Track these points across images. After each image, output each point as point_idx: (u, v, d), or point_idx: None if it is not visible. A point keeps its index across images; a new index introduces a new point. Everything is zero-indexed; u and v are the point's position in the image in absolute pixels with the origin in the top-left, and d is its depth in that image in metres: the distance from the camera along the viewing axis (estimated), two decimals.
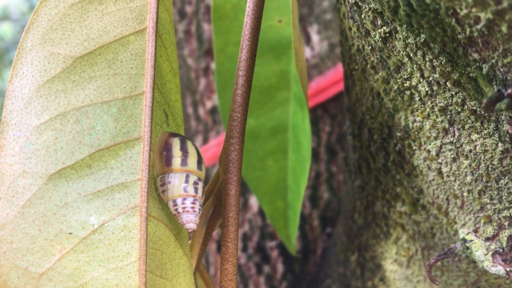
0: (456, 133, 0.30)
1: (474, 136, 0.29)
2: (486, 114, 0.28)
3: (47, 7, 0.28)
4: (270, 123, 0.47)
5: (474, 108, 0.28)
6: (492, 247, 0.32)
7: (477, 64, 0.25)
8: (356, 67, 0.35)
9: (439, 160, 0.32)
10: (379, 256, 0.44)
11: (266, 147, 0.48)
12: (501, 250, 0.32)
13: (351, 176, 0.44)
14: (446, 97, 0.29)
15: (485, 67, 0.24)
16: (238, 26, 0.44)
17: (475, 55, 0.24)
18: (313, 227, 0.64)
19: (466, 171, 0.31)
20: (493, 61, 0.24)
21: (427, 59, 0.28)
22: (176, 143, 0.29)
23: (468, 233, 0.34)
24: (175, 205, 0.28)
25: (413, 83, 0.30)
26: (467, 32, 0.23)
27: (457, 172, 0.32)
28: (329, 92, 0.63)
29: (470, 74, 0.26)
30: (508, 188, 0.30)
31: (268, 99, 0.47)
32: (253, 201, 0.65)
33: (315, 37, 0.64)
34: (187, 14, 0.68)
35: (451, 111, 0.29)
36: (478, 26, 0.22)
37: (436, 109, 0.30)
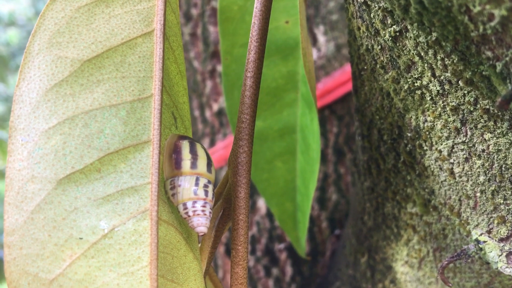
0: (469, 133, 0.30)
1: (487, 136, 0.29)
2: (499, 113, 0.27)
3: (53, 11, 0.28)
4: (278, 124, 0.47)
5: (487, 107, 0.28)
6: (506, 248, 0.32)
7: (490, 62, 0.24)
8: (365, 67, 0.35)
9: (451, 160, 0.32)
10: (389, 258, 0.44)
11: (274, 149, 0.48)
12: None
13: (360, 177, 0.43)
14: (458, 96, 0.29)
15: (499, 65, 0.24)
16: (244, 28, 0.44)
17: (488, 53, 0.24)
18: (321, 229, 0.64)
19: (479, 171, 0.31)
20: (507, 58, 0.23)
21: (438, 57, 0.27)
22: (185, 146, 0.29)
23: (481, 234, 0.33)
24: (186, 208, 0.28)
25: (424, 83, 0.30)
26: (480, 30, 0.23)
27: (469, 172, 0.32)
28: (336, 93, 0.63)
29: (483, 73, 0.26)
30: None
31: (276, 101, 0.46)
32: (261, 203, 0.64)
33: (321, 38, 0.64)
34: (193, 16, 0.68)
35: (463, 110, 0.29)
36: (492, 24, 0.22)
37: (447, 108, 0.30)
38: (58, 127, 0.26)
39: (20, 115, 0.26)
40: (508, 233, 0.32)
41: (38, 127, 0.26)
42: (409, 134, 0.34)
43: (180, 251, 0.28)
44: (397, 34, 0.28)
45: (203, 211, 0.28)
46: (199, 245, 0.33)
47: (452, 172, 0.33)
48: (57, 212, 0.25)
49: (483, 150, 0.30)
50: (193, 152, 0.29)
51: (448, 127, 0.31)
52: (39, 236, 0.25)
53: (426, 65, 0.29)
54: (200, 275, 0.30)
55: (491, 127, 0.28)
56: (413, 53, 0.29)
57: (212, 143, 0.67)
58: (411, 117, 0.33)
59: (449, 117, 0.30)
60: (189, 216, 0.28)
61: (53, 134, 0.26)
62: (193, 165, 0.28)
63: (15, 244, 0.25)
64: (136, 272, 0.25)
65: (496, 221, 0.32)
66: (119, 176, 0.26)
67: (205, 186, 0.28)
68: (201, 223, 0.28)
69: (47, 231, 0.25)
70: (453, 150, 0.32)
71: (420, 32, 0.26)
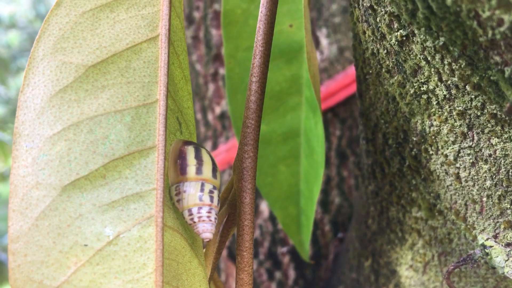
0: (475, 137, 0.30)
1: (494, 140, 0.29)
2: (507, 118, 0.27)
3: (58, 16, 0.27)
4: (282, 128, 0.47)
5: (495, 112, 0.27)
6: None
7: (499, 67, 0.24)
8: (370, 71, 0.34)
9: (457, 165, 0.32)
10: (394, 262, 0.43)
11: (278, 153, 0.48)
12: None
13: (365, 181, 0.43)
14: (465, 101, 0.28)
15: (507, 70, 0.24)
16: (248, 31, 0.44)
17: (497, 58, 0.24)
18: (324, 232, 0.64)
19: (485, 176, 0.31)
20: None
21: (445, 62, 0.27)
22: (190, 151, 0.28)
23: (487, 239, 0.33)
24: (191, 214, 0.28)
25: (431, 87, 0.30)
26: (489, 35, 0.23)
27: (476, 177, 0.31)
28: (339, 96, 0.63)
29: (491, 78, 0.25)
30: None
31: (279, 104, 0.46)
32: (264, 207, 0.64)
33: (324, 41, 0.63)
34: (195, 19, 0.68)
35: (470, 115, 0.29)
36: (501, 29, 0.22)
37: (454, 113, 0.30)
38: (63, 133, 0.26)
39: (25, 121, 0.26)
40: None
41: (42, 133, 0.26)
42: (414, 139, 0.34)
43: (185, 257, 0.28)
44: (404, 38, 0.28)
45: (208, 217, 0.28)
46: (204, 250, 0.32)
47: (458, 177, 0.32)
48: (62, 219, 0.25)
49: (490, 155, 0.30)
50: (198, 157, 0.28)
51: (454, 132, 0.31)
52: (43, 243, 0.25)
53: (433, 69, 0.28)
54: (205, 281, 0.29)
55: (498, 132, 0.28)
56: (419, 58, 0.28)
57: (215, 146, 0.67)
58: (417, 121, 0.33)
59: (456, 122, 0.30)
60: (194, 222, 0.28)
61: (57, 140, 0.26)
62: (198, 170, 0.28)
63: (20, 251, 0.25)
64: (142, 279, 0.25)
65: (502, 226, 0.32)
66: (124, 182, 0.26)
67: (211, 192, 0.28)
68: (206, 229, 0.28)
69: (52, 238, 0.25)
70: (460, 155, 0.31)
71: (427, 37, 0.26)
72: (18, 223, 0.25)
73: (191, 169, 0.28)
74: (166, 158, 0.28)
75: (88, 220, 0.25)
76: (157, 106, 0.27)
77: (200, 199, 0.28)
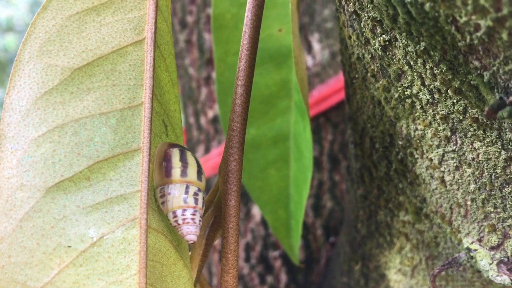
0: (459, 141, 0.30)
1: (477, 144, 0.29)
2: (488, 122, 0.27)
3: (44, 19, 0.28)
4: (271, 132, 0.47)
5: (476, 116, 0.28)
6: (497, 256, 0.32)
7: (478, 71, 0.24)
8: (357, 76, 0.35)
9: (442, 169, 0.32)
10: (383, 265, 0.44)
11: (268, 157, 0.48)
12: (506, 260, 0.32)
13: (354, 185, 0.43)
14: (447, 105, 0.29)
15: (486, 75, 0.24)
16: (238, 36, 0.44)
17: (476, 63, 0.24)
18: (316, 236, 0.64)
19: (469, 180, 0.31)
20: (494, 68, 0.23)
21: (427, 67, 0.27)
22: (175, 154, 0.29)
23: (472, 242, 0.33)
24: (175, 216, 0.28)
25: (414, 91, 0.30)
26: (467, 40, 0.23)
27: (460, 181, 0.32)
28: (331, 100, 0.63)
29: (471, 82, 0.26)
30: None
31: (269, 108, 0.46)
32: (256, 211, 0.64)
33: (316, 46, 0.64)
34: (188, 24, 0.68)
35: (452, 119, 0.29)
36: (478, 34, 0.22)
37: (437, 117, 0.30)
38: (48, 135, 0.26)
39: (10, 123, 0.26)
40: (498, 241, 0.32)
41: (27, 135, 0.26)
42: (400, 142, 0.34)
43: (170, 259, 0.28)
44: (387, 43, 0.29)
45: (192, 219, 0.28)
46: (190, 253, 0.33)
47: (443, 181, 0.33)
48: (46, 220, 0.25)
49: (473, 159, 0.30)
50: (183, 160, 0.29)
51: (438, 136, 0.31)
52: (27, 244, 0.25)
53: (415, 74, 0.29)
54: (190, 283, 0.30)
55: (481, 136, 0.28)
56: (402, 62, 0.29)
57: (207, 150, 0.67)
58: (402, 125, 0.33)
59: (439, 126, 0.30)
60: (178, 224, 0.28)
61: (42, 142, 0.26)
62: (183, 173, 0.28)
63: (4, 252, 0.25)
64: (125, 280, 0.25)
65: (486, 230, 0.32)
66: (108, 184, 0.26)
67: (195, 194, 0.28)
68: (190, 231, 0.28)
69: (36, 239, 0.25)
70: (444, 159, 0.32)
71: (409, 42, 0.27)
72: (2, 224, 0.25)
73: (176, 171, 0.28)
74: (151, 161, 0.28)
75: (72, 222, 0.25)
76: (142, 108, 0.28)
77: (184, 201, 0.28)
